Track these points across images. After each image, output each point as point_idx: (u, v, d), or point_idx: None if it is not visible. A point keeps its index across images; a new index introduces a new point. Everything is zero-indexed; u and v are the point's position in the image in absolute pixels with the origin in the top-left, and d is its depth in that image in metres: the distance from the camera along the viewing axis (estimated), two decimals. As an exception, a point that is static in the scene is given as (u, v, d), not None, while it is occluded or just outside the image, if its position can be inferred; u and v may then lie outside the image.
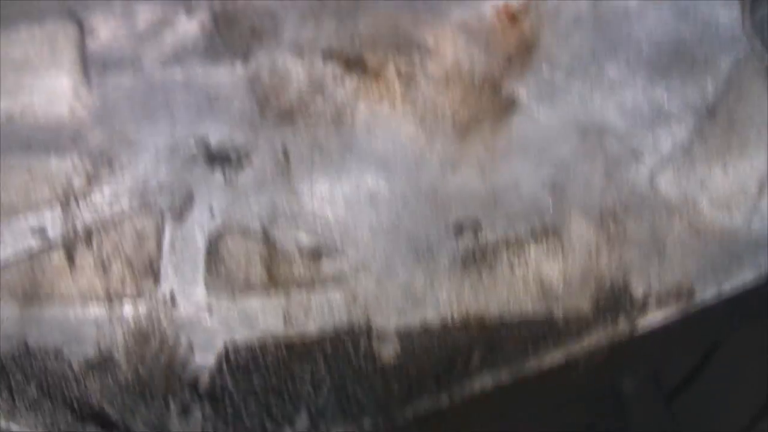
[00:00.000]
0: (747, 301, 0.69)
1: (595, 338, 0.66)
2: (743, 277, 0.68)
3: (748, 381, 0.93)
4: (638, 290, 0.67)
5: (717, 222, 0.68)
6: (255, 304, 0.67)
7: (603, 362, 0.67)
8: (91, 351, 0.67)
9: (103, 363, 0.67)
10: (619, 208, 0.68)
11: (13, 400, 0.67)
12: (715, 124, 0.70)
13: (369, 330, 0.66)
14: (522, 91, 0.70)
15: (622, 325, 0.66)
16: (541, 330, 0.66)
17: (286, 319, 0.67)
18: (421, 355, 0.65)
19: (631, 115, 0.70)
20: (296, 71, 0.71)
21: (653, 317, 0.66)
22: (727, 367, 0.94)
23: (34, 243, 0.70)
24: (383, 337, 0.66)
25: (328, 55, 0.71)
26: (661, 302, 0.66)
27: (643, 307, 0.66)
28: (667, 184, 0.69)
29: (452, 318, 0.66)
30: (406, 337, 0.66)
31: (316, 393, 0.65)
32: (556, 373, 0.66)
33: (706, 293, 0.67)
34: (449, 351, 0.65)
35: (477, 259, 0.67)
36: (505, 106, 0.70)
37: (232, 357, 0.66)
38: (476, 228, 0.68)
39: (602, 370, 0.68)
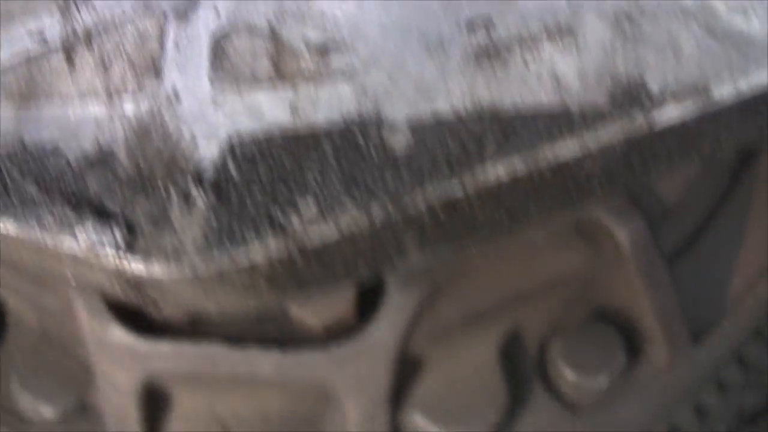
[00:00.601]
0: (764, 104, 0.67)
1: (611, 131, 0.64)
2: (760, 78, 0.66)
3: (752, 239, 0.91)
4: (654, 86, 0.65)
5: (733, 25, 0.67)
6: (261, 97, 0.65)
7: (620, 160, 0.65)
8: (90, 147, 0.65)
9: (102, 158, 0.65)
10: (634, 11, 0.67)
11: (9, 197, 0.64)
12: (729, -67, 0.69)
13: (379, 120, 0.64)
14: None
15: (639, 119, 0.64)
16: (556, 122, 0.64)
17: (294, 110, 0.64)
18: (433, 144, 0.63)
19: (644, -77, 0.69)
20: None
21: (669, 113, 0.65)
22: (730, 226, 0.92)
23: (32, 46, 0.68)
24: (394, 128, 0.64)
25: None
26: (677, 98, 0.65)
27: (660, 102, 0.65)
28: (681, -11, 0.68)
29: (465, 109, 0.64)
30: (417, 127, 0.64)
31: (323, 181, 0.63)
32: (572, 167, 0.64)
33: (723, 91, 0.65)
34: (462, 140, 0.63)
35: (490, 55, 0.66)
36: None
37: (237, 147, 0.64)
38: (488, 25, 0.66)
39: (618, 171, 0.66)
